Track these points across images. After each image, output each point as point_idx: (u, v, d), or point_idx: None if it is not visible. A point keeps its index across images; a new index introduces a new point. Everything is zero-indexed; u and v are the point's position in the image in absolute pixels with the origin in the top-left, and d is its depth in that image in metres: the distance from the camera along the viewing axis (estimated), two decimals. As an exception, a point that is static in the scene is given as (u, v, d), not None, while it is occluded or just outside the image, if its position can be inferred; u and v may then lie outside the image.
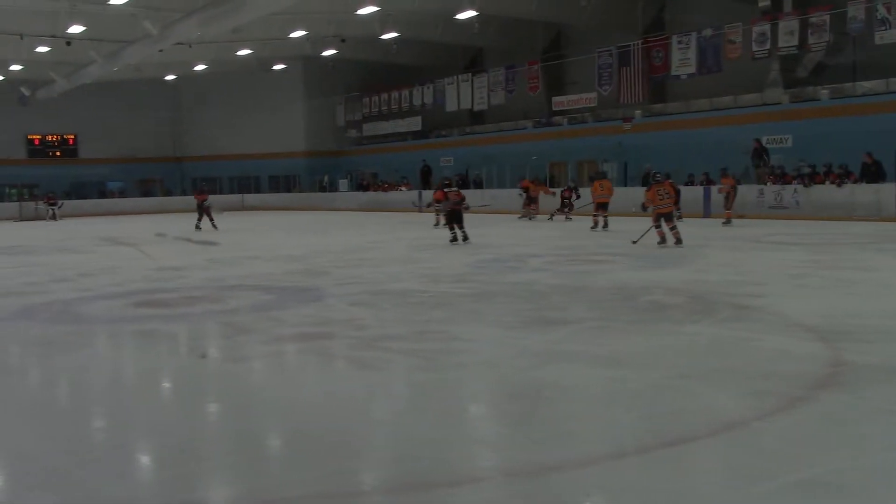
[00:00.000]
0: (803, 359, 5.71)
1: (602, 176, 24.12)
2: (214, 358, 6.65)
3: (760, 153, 22.46)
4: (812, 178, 20.70)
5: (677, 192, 16.61)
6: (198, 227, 22.21)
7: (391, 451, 4.16)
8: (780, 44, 23.44)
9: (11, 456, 4.22)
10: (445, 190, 17.00)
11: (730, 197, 19.26)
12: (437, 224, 20.49)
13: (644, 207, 14.86)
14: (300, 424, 4.57)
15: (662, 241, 13.95)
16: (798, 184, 20.75)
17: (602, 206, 18.90)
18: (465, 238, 15.56)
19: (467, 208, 16.09)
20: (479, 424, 4.70)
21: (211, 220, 22.39)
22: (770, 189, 21.32)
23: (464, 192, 17.65)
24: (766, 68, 24.65)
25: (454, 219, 15.77)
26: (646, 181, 25.15)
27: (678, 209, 16.80)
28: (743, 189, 21.90)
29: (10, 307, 9.06)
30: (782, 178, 21.43)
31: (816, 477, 3.60)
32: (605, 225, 18.42)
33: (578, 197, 23.17)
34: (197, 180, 42.69)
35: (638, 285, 9.39)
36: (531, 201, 24.02)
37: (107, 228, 24.32)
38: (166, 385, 5.82)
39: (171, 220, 28.82)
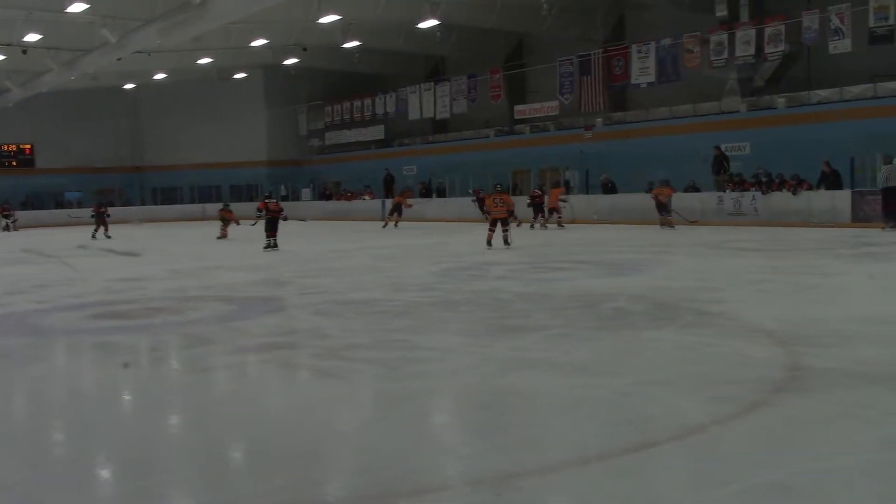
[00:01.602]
0: (763, 363, 5.78)
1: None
2: (176, 369, 6.58)
3: (721, 160, 22.75)
4: (769, 186, 21.02)
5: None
6: (94, 236, 23.61)
7: (355, 461, 4.15)
8: (738, 53, 23.78)
9: (-33, 472, 4.14)
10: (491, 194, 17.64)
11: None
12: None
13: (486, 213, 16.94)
14: (263, 435, 4.53)
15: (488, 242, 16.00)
16: (756, 191, 21.06)
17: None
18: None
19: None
20: (444, 433, 4.70)
21: (105, 229, 24.05)
22: (729, 196, 21.61)
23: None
24: (724, 77, 24.99)
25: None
26: (605, 189, 25.44)
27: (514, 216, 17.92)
28: (703, 196, 22.21)
29: (-35, 320, 8.89)
30: (741, 185, 21.74)
31: (776, 481, 3.64)
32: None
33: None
34: (157, 190, 42.34)
35: (601, 292, 9.46)
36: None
37: (40, 241, 23.94)
38: (126, 397, 5.74)
39: (125, 230, 28.45)
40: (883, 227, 17.25)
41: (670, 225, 20.18)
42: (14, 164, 41.18)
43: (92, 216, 24.85)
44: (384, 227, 25.46)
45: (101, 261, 16.59)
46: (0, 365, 6.77)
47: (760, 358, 5.96)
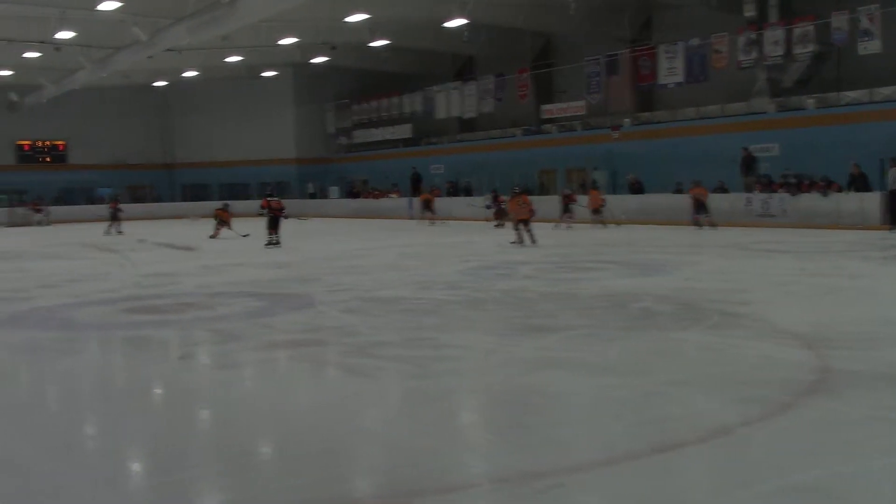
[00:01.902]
0: (790, 365, 5.75)
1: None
2: (205, 365, 6.65)
3: (749, 161, 22.57)
4: (798, 187, 20.83)
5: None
6: (108, 232, 24.59)
7: (381, 458, 4.17)
8: (767, 53, 23.58)
9: (0, 463, 4.21)
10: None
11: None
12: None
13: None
14: (291, 431, 4.57)
15: (521, 242, 16.38)
16: (784, 192, 20.87)
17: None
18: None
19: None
20: (470, 432, 4.71)
21: (118, 224, 25.08)
22: (757, 197, 21.43)
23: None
24: (753, 77, 24.78)
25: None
26: (633, 189, 25.32)
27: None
28: (731, 197, 22.04)
29: None
30: (769, 186, 21.55)
31: (803, 483, 3.63)
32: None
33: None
34: (187, 187, 42.70)
35: (627, 293, 9.43)
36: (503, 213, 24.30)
37: (92, 235, 24.24)
38: (157, 391, 5.81)
39: (159, 226, 28.70)
40: (890, 229, 17.18)
41: (712, 225, 20.04)
42: (48, 159, 41.68)
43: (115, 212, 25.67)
44: (417, 223, 25.58)
45: (153, 254, 16.76)
46: (32, 358, 6.87)
47: (788, 360, 5.92)
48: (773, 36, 23.36)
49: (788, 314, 7.77)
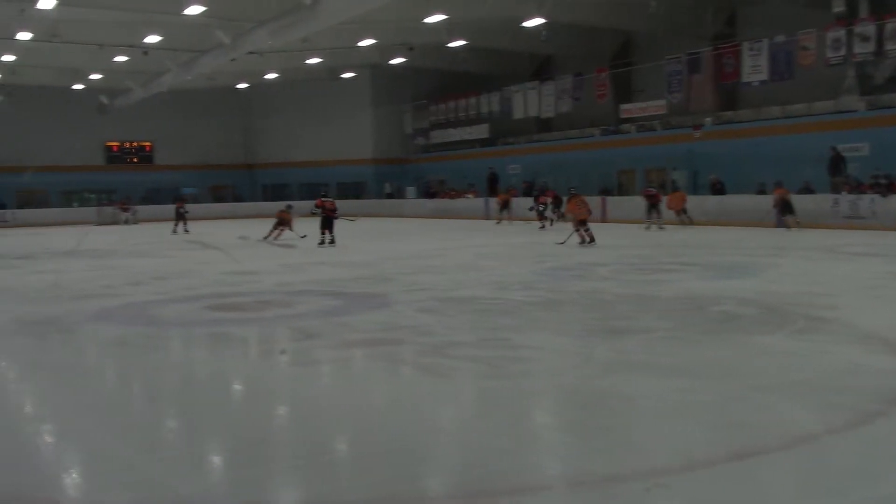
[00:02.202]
0: (878, 372, 5.55)
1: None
2: (284, 361, 6.77)
3: (837, 161, 21.87)
4: (889, 188, 20.11)
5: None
6: (174, 231, 25.59)
7: (455, 457, 4.18)
8: (856, 50, 22.83)
9: (89, 454, 4.36)
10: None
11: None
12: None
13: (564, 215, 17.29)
14: (367, 429, 4.61)
15: (583, 241, 16.43)
16: (875, 193, 20.17)
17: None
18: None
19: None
20: (545, 433, 4.68)
21: (185, 224, 26.08)
22: (845, 198, 20.77)
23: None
24: (841, 75, 24.02)
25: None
26: (714, 189, 24.81)
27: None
28: (817, 198, 21.40)
29: (88, 309, 9.34)
30: (858, 187, 20.86)
31: (891, 494, 3.50)
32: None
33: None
34: (267, 187, 43.54)
35: (708, 295, 9.24)
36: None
37: (197, 233, 24.91)
38: (237, 387, 5.93)
39: (242, 225, 29.29)
40: None
41: (797, 225, 19.68)
42: (135, 160, 43.02)
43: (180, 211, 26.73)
44: (497, 223, 25.57)
45: (259, 251, 17.17)
46: (120, 353, 7.09)
47: (876, 366, 5.72)
48: (864, 32, 22.59)
49: (877, 319, 7.51)
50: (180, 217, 26.40)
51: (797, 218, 19.81)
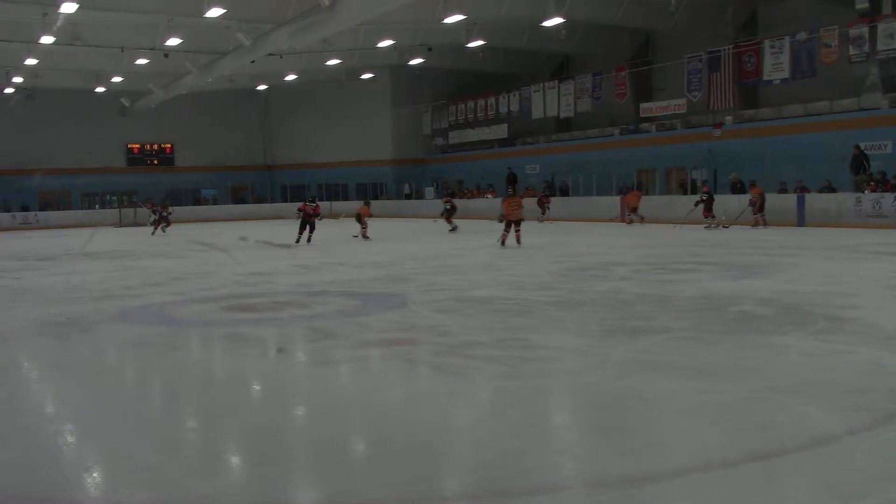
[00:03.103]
0: (901, 373, 5.50)
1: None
2: (301, 361, 6.78)
3: (860, 160, 21.66)
4: (913, 186, 19.91)
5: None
6: (153, 234, 27.00)
7: (472, 457, 4.17)
8: (879, 47, 22.62)
9: (107, 453, 4.39)
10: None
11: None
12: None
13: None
14: (384, 429, 4.62)
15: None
16: (898, 192, 19.97)
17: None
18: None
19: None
20: (562, 434, 4.67)
21: (165, 226, 27.61)
22: (868, 197, 20.58)
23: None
24: (864, 72, 23.81)
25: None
26: (734, 189, 24.65)
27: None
28: (839, 197, 21.23)
29: (109, 309, 9.41)
30: (882, 185, 20.66)
31: (913, 496, 3.46)
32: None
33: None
34: (286, 188, 43.72)
35: (727, 295, 9.18)
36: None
37: (201, 234, 25.06)
38: (255, 387, 5.96)
39: (260, 226, 29.44)
40: None
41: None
42: (156, 162, 43.35)
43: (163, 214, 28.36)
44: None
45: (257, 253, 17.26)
46: (140, 353, 7.14)
47: (898, 367, 5.67)
48: (888, 29, 22.39)
49: (900, 319, 7.43)
50: (162, 219, 27.85)
51: (764, 217, 20.84)
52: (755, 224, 21.13)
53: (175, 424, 4.94)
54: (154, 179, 41.34)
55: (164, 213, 27.95)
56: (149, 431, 4.70)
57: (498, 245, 16.97)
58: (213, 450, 4.42)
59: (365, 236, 21.12)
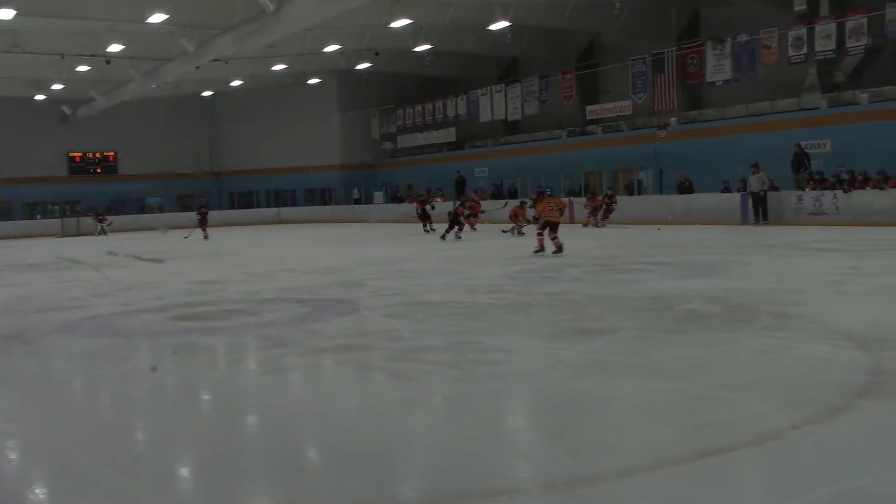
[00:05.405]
0: (844, 367, 5.63)
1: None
2: (253, 370, 6.72)
3: (801, 158, 22.16)
4: (852, 184, 20.41)
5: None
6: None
7: (427, 462, 4.17)
8: (817, 48, 23.19)
9: (55, 468, 4.29)
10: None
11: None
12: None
13: (535, 218, 16.19)
14: (337, 436, 4.59)
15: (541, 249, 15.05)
16: (838, 189, 20.47)
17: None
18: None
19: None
20: (516, 436, 4.69)
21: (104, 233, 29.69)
22: (809, 195, 21.06)
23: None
24: (804, 73, 24.38)
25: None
26: (682, 188, 25.06)
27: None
28: (781, 195, 21.69)
29: (53, 321, 9.22)
30: (822, 183, 21.15)
31: (857, 488, 3.54)
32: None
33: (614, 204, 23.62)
34: (234, 195, 43.28)
35: (675, 294, 9.32)
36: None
37: (142, 244, 24.66)
38: (205, 397, 5.88)
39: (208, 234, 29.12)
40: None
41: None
42: (99, 170, 42.56)
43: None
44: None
45: (186, 263, 17.03)
46: (87, 364, 7.01)
47: (842, 362, 5.80)
48: (825, 30, 22.96)
49: (843, 314, 7.60)
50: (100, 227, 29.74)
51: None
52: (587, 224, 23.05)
53: (126, 437, 4.85)
54: (97, 188, 40.54)
55: (103, 223, 28.21)
56: (99, 445, 4.61)
57: (535, 253, 14.96)
58: (163, 462, 4.36)
59: (519, 233, 21.40)
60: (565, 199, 20.74)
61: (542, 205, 15.54)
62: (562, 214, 15.57)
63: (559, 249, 14.64)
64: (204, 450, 4.49)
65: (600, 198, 24.69)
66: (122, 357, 7.34)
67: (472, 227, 23.62)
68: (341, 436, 4.59)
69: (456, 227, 21.03)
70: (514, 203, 23.66)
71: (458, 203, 21.45)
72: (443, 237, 20.83)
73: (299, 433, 4.73)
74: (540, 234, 15.12)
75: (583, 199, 25.23)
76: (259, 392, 5.83)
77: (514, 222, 22.00)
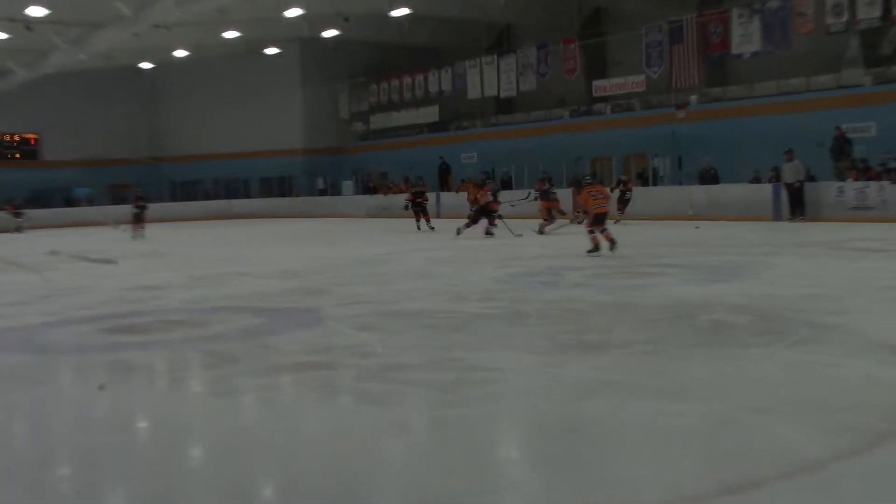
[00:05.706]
0: (891, 387, 5.66)
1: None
2: (196, 393, 6.68)
3: (842, 144, 22.26)
4: (901, 173, 20.54)
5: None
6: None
7: (401, 499, 4.15)
8: (860, 16, 23.31)
9: (-38, 509, 4.25)
10: None
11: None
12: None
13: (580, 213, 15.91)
14: (296, 468, 4.58)
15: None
16: (885, 180, 20.59)
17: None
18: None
19: None
20: (508, 468, 4.68)
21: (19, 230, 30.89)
22: (851, 186, 21.17)
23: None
24: (844, 44, 24.51)
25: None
26: (704, 178, 25.14)
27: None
28: (819, 186, 21.79)
29: (-39, 335, 9.15)
30: (866, 173, 21.27)
31: (909, 529, 3.55)
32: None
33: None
34: (176, 184, 43.13)
35: (696, 302, 9.35)
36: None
37: (69, 242, 24.54)
38: (141, 424, 5.84)
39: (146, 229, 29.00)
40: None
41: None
42: (17, 155, 42.37)
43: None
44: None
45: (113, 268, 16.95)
46: (1, 387, 6.94)
47: (889, 380, 5.83)
48: (869, -6, 23.08)
49: (890, 325, 7.66)
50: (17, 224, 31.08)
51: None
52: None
53: (46, 470, 4.80)
54: (15, 177, 40.25)
55: (20, 218, 28.61)
56: (16, 478, 4.57)
57: (589, 254, 14.65)
58: (92, 498, 4.32)
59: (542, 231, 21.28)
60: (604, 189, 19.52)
61: (584, 197, 15.40)
62: (608, 202, 15.52)
63: (613, 243, 14.53)
64: (139, 485, 4.46)
65: (610, 188, 24.60)
66: (43, 378, 7.28)
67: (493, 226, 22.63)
68: (301, 468, 4.57)
69: (486, 222, 20.65)
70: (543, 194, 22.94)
71: (491, 195, 20.99)
72: (459, 231, 20.56)
73: (252, 467, 4.70)
74: (592, 232, 14.89)
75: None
76: (204, 419, 5.80)
77: (545, 217, 21.71)
